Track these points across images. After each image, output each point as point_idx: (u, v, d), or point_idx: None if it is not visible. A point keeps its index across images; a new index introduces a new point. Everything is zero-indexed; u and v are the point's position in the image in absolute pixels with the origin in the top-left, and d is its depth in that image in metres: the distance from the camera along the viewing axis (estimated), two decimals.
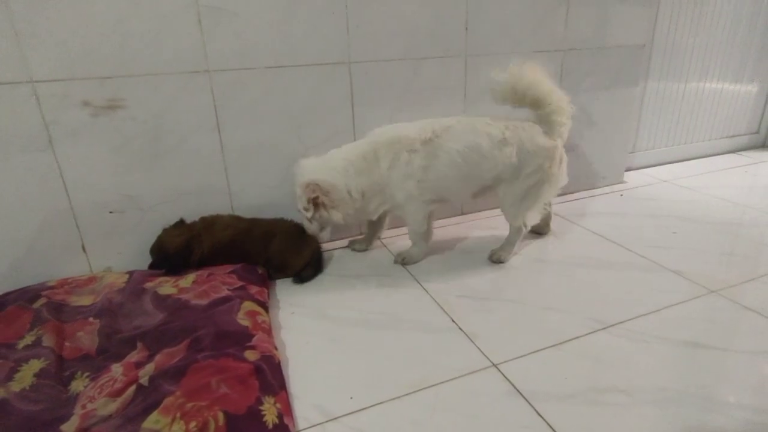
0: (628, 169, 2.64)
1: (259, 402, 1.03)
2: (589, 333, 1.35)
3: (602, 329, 1.37)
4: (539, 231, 1.99)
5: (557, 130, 1.64)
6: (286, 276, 1.68)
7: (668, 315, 1.42)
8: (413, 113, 1.82)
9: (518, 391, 1.15)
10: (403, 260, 1.75)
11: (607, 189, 2.48)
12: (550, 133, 1.64)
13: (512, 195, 1.68)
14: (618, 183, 2.54)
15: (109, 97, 1.48)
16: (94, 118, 1.49)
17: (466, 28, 1.88)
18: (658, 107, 2.66)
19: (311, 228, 1.64)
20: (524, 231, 1.75)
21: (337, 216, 1.58)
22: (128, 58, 1.47)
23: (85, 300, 1.42)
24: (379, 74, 1.80)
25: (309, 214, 1.56)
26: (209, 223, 1.64)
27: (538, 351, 1.29)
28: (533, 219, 1.74)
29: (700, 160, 2.90)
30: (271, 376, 1.12)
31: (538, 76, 1.56)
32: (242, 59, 1.60)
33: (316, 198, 1.54)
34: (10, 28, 1.33)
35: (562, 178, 1.73)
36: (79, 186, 1.53)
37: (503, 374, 1.20)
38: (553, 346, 1.31)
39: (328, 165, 1.57)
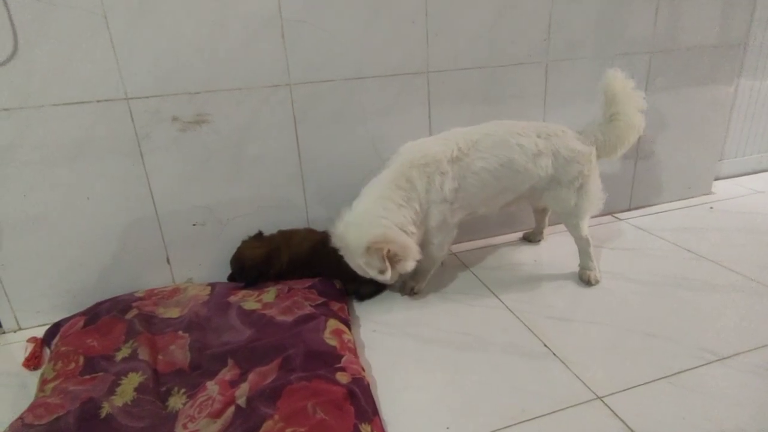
0: (716, 179, 2.43)
1: (357, 430, 0.99)
2: (703, 365, 1.23)
3: (717, 361, 1.24)
4: (532, 239, 1.93)
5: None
6: (354, 285, 1.62)
7: None
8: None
9: (632, 430, 1.05)
10: (412, 291, 1.61)
11: (693, 200, 2.29)
12: (585, 139, 1.58)
13: (563, 202, 1.58)
14: (705, 194, 2.34)
15: (197, 112, 1.51)
16: (182, 132, 1.52)
17: (548, 33, 1.79)
18: (750, 109, 2.43)
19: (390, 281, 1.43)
20: (590, 239, 1.63)
21: (411, 264, 1.40)
22: (215, 73, 1.49)
23: (172, 312, 1.44)
24: (457, 83, 1.74)
25: (388, 276, 1.33)
26: (287, 236, 1.64)
27: (646, 383, 1.18)
28: (588, 225, 1.64)
29: None
30: (364, 401, 1.08)
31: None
32: (322, 71, 1.58)
33: (388, 253, 1.32)
34: (110, 49, 1.38)
35: (599, 178, 1.62)
36: (165, 199, 1.57)
37: (611, 409, 1.11)
38: (663, 378, 1.19)
39: (371, 217, 1.37)
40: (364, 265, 1.36)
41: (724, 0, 1.99)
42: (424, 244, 1.51)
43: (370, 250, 1.32)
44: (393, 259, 1.35)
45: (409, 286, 1.63)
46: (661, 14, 1.92)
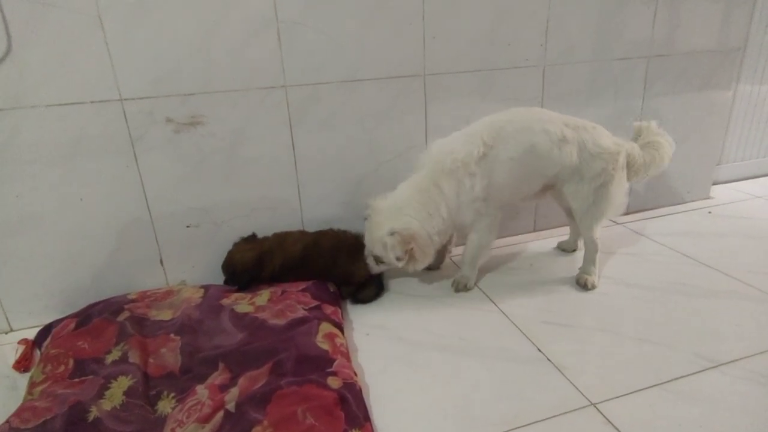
0: (715, 183, 2.42)
1: None
2: (698, 372, 1.22)
3: (713, 368, 1.23)
4: (566, 248, 1.89)
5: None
6: (349, 286, 1.62)
7: None
8: None
9: None
10: (465, 287, 1.63)
11: (692, 205, 2.28)
12: (621, 142, 1.57)
13: (581, 198, 1.56)
14: (704, 198, 2.33)
15: (191, 113, 1.50)
16: (176, 134, 1.51)
17: (545, 37, 1.78)
18: (749, 113, 2.42)
19: (376, 268, 1.56)
20: (599, 244, 1.62)
21: (423, 264, 1.52)
22: (210, 75, 1.48)
23: (165, 314, 1.43)
24: (454, 86, 1.74)
25: (400, 265, 1.47)
26: (281, 239, 1.62)
27: (640, 390, 1.17)
28: (601, 229, 1.63)
29: None
30: (355, 406, 1.07)
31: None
32: (318, 74, 1.58)
33: (412, 249, 1.45)
34: (105, 50, 1.37)
35: (625, 183, 1.61)
36: (159, 200, 1.56)
37: (605, 416, 1.09)
38: (658, 385, 1.18)
39: (407, 211, 1.46)
40: (383, 244, 1.43)
41: (722, 4, 1.99)
42: (467, 233, 1.59)
43: (400, 238, 1.42)
44: (411, 255, 1.46)
45: (462, 283, 1.63)
46: (659, 19, 1.91)
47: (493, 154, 1.47)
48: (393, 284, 1.71)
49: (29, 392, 1.14)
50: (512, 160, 1.48)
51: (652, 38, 1.93)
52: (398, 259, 1.45)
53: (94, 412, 1.04)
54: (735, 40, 2.07)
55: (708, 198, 2.34)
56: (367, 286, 1.61)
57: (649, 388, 1.17)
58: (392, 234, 1.43)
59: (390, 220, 1.45)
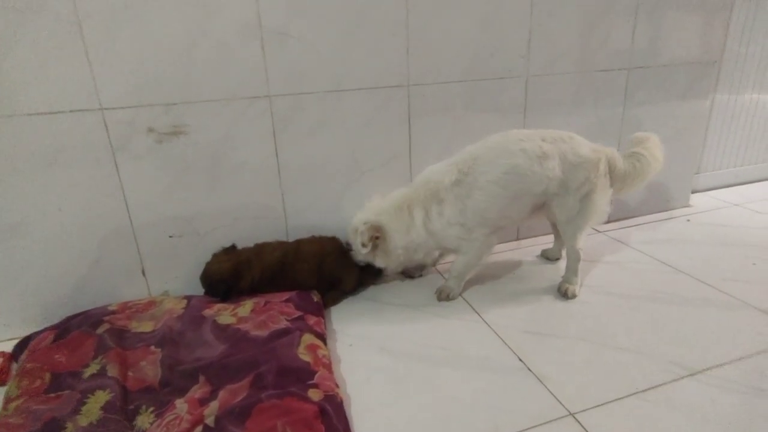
0: (694, 191, 2.48)
1: None
2: (674, 380, 1.24)
3: (688, 376, 1.25)
4: (550, 257, 1.91)
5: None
6: (337, 291, 1.65)
7: (765, 362, 1.29)
8: (471, 136, 1.75)
9: None
10: (448, 297, 1.64)
11: (672, 213, 2.32)
12: (599, 148, 1.59)
13: (567, 209, 1.58)
14: (683, 206, 2.38)
15: (173, 123, 1.49)
16: (158, 143, 1.50)
17: (528, 49, 1.81)
18: (726, 123, 2.49)
19: (359, 257, 1.64)
20: (581, 254, 1.65)
21: (383, 263, 1.62)
22: (193, 84, 1.48)
23: (146, 326, 1.41)
24: (438, 96, 1.75)
25: (366, 251, 1.55)
26: (259, 248, 1.62)
27: (618, 399, 1.18)
28: (585, 238, 1.66)
29: None
30: (336, 419, 1.07)
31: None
32: (302, 84, 1.58)
33: (377, 238, 1.55)
34: (84, 58, 1.36)
35: (609, 190, 1.63)
36: (141, 210, 1.55)
37: (583, 426, 1.11)
38: (635, 394, 1.20)
39: (387, 211, 1.58)
40: (354, 230, 1.56)
41: (700, 18, 2.04)
42: (455, 253, 1.65)
43: (369, 226, 1.53)
44: (375, 246, 1.56)
45: (446, 293, 1.64)
46: (638, 32, 1.95)
47: (469, 180, 1.51)
48: (377, 293, 1.71)
49: (4, 408, 1.12)
50: (493, 184, 1.50)
51: (632, 50, 1.98)
52: (363, 245, 1.53)
53: (69, 429, 1.03)
54: (712, 52, 2.13)
55: (687, 206, 2.39)
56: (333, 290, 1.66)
57: (625, 397, 1.19)
58: (365, 223, 1.54)
59: (373, 215, 1.57)
